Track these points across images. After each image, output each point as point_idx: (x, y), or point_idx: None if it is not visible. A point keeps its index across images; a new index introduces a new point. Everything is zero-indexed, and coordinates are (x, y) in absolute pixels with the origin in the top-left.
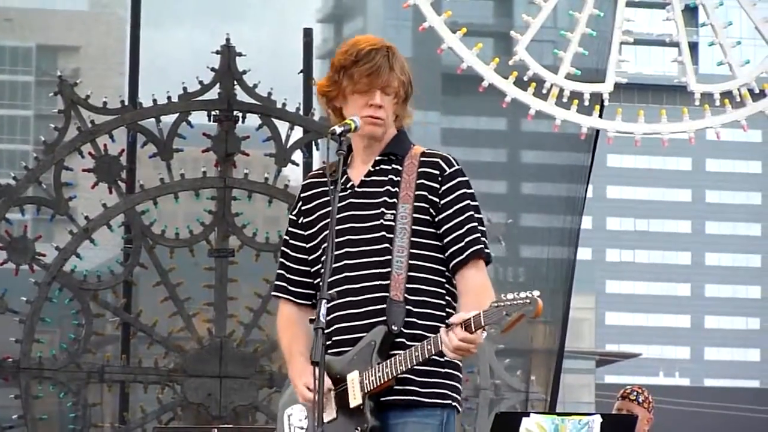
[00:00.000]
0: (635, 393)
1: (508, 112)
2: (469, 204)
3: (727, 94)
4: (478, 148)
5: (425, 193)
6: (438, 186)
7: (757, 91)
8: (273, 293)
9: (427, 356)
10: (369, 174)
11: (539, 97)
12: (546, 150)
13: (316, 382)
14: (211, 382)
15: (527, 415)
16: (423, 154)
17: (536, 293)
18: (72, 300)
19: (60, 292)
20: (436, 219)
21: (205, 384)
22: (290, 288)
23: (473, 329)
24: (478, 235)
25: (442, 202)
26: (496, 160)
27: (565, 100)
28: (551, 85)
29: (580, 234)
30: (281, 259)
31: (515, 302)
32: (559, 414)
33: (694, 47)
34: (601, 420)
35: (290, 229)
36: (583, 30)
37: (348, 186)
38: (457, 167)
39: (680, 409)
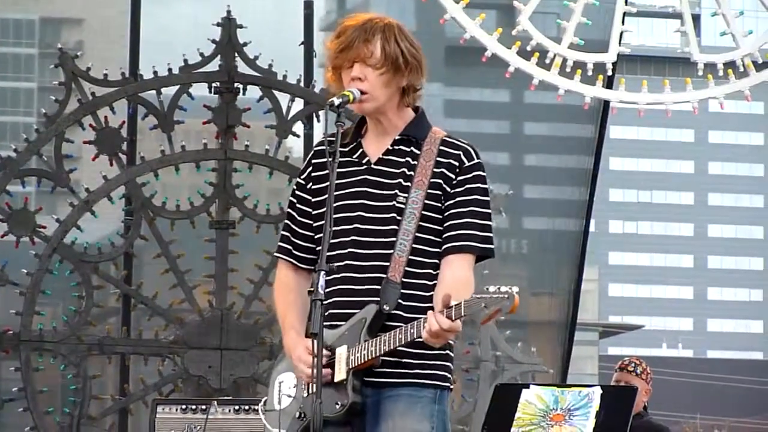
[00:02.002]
0: (633, 364)
1: (512, 84)
2: (476, 199)
3: (730, 65)
4: (481, 120)
5: (440, 181)
6: (454, 177)
7: (760, 62)
8: (276, 254)
9: (408, 339)
10: (387, 153)
11: (543, 67)
12: (549, 122)
13: (314, 353)
14: (212, 354)
15: (527, 386)
16: (444, 142)
17: (515, 289)
18: (72, 272)
19: (60, 264)
20: (444, 206)
21: (205, 356)
22: (294, 252)
23: (453, 318)
24: (475, 231)
25: (453, 191)
26: (500, 132)
27: (568, 70)
28: (554, 55)
29: (593, 206)
30: (287, 221)
31: (494, 296)
32: (558, 386)
33: (696, 19)
34: (601, 391)
35: (298, 192)
36: None
37: (364, 161)
38: (476, 161)
39: (683, 380)
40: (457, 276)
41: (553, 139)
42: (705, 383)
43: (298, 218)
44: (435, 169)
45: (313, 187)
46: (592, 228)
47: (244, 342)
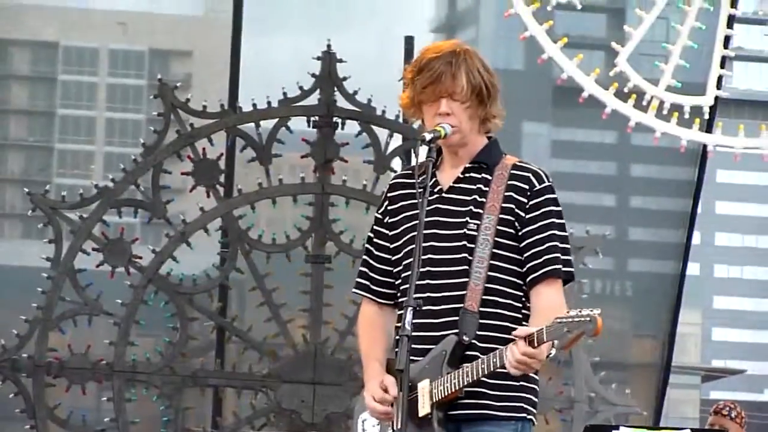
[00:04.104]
0: (728, 408)
1: (618, 125)
2: (553, 222)
3: None
4: (587, 161)
5: (512, 206)
6: (526, 201)
7: None
8: (354, 290)
9: (492, 369)
10: (458, 180)
11: (639, 108)
12: (654, 164)
13: (399, 390)
14: (305, 389)
15: (617, 428)
16: (515, 167)
17: (597, 311)
18: (167, 303)
19: (155, 295)
20: (520, 233)
21: (298, 390)
22: (372, 287)
23: (536, 344)
24: (558, 254)
25: (527, 216)
26: (605, 173)
27: (665, 112)
28: (651, 97)
29: (690, 249)
30: (364, 257)
31: (576, 320)
32: (649, 428)
33: None
34: None
35: (375, 227)
36: (685, 42)
37: (436, 190)
38: (547, 184)
39: None
40: (550, 303)
41: (658, 181)
42: None
43: (376, 253)
44: (506, 193)
45: (390, 220)
46: (696, 272)
47: (338, 377)
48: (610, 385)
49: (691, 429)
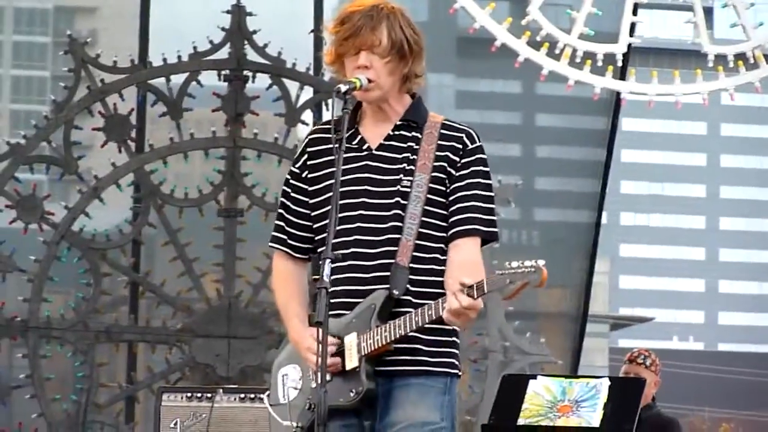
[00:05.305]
0: (642, 356)
1: (523, 74)
2: (480, 182)
3: (741, 56)
4: (493, 111)
5: (445, 164)
6: (458, 159)
7: None
8: (271, 244)
9: (426, 321)
10: (388, 138)
11: (552, 57)
12: (562, 114)
13: (319, 343)
14: (219, 343)
15: (534, 377)
16: (444, 126)
17: (541, 262)
18: (81, 259)
19: (69, 252)
20: (448, 190)
21: (212, 344)
22: (289, 241)
23: (476, 296)
24: (480, 214)
25: (457, 174)
26: (511, 123)
27: (578, 60)
28: (564, 46)
29: (605, 198)
30: (280, 211)
31: (519, 270)
32: (566, 377)
33: (709, 11)
34: (609, 383)
35: (292, 181)
36: None
37: (365, 147)
38: (479, 144)
39: (694, 373)
40: (467, 258)
41: (565, 130)
42: (715, 376)
43: (293, 207)
44: (438, 153)
45: (309, 175)
46: (603, 220)
47: (252, 330)
48: (524, 335)
49: (609, 377)
